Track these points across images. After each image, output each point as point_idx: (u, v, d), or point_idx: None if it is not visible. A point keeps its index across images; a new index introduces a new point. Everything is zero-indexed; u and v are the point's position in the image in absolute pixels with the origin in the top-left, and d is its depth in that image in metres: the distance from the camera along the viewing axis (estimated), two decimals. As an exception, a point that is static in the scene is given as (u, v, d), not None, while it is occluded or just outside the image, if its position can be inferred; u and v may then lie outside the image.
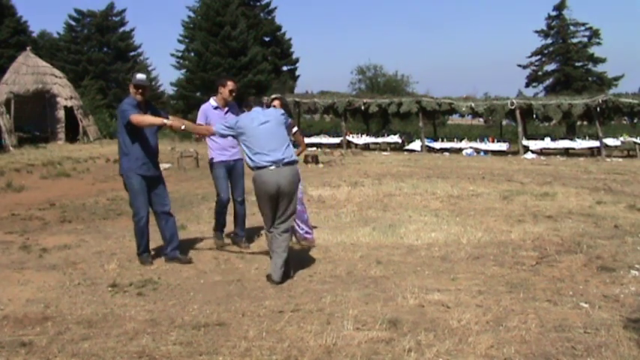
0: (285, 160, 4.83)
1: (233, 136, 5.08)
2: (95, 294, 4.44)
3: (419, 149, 23.62)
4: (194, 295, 4.41)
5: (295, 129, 6.06)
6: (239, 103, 5.92)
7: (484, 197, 9.39)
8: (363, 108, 24.69)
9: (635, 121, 24.33)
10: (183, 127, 5.39)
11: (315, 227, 6.41)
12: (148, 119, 5.31)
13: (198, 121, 5.93)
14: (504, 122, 26.81)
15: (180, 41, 40.08)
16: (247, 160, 4.94)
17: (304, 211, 6.04)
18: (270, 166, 4.78)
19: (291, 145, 5.06)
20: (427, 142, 23.79)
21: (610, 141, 21.76)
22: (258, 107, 5.07)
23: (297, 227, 5.90)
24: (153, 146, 5.43)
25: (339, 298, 4.21)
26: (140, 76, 5.44)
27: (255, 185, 4.89)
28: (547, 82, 37.90)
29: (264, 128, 4.89)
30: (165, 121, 5.27)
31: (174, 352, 3.25)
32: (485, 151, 22.58)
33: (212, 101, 6.01)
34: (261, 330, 3.56)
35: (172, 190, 8.33)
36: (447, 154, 22.45)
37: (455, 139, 24.26)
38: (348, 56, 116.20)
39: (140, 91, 5.29)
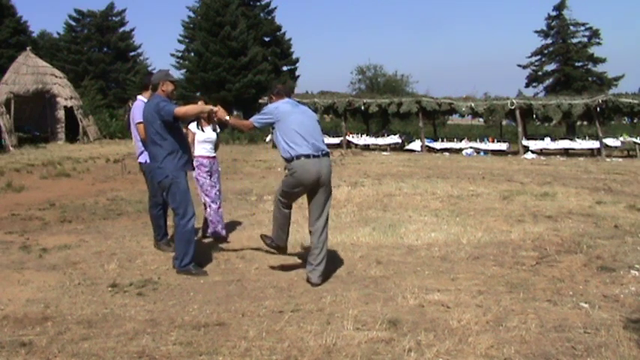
0: (325, 151, 4.72)
1: (270, 123, 4.80)
2: (95, 294, 4.44)
3: (419, 149, 23.63)
4: (194, 296, 4.41)
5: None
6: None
7: (484, 197, 9.39)
8: (363, 108, 24.68)
9: (635, 121, 24.34)
10: (227, 118, 5.04)
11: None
12: (195, 108, 5.17)
13: (140, 119, 5.60)
14: (504, 122, 26.79)
15: (180, 41, 40.19)
16: (284, 149, 4.64)
17: (220, 206, 6.38)
18: (313, 154, 4.59)
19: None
20: (427, 142, 23.78)
21: (610, 141, 21.74)
22: (287, 98, 4.90)
23: (214, 222, 6.24)
24: (187, 141, 5.33)
25: (339, 298, 4.21)
26: (171, 72, 5.40)
27: (294, 175, 4.61)
28: (547, 82, 37.89)
29: (307, 117, 4.75)
30: (213, 107, 4.99)
31: (174, 352, 3.25)
32: (485, 151, 22.57)
33: (144, 98, 5.81)
34: (261, 330, 3.56)
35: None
36: (446, 154, 22.44)
37: (455, 139, 24.26)
38: (348, 56, 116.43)
39: (175, 89, 5.20)
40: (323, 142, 4.79)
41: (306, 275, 4.72)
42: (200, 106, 5.30)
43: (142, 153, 5.92)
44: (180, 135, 5.21)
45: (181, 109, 4.99)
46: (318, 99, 25.70)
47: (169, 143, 5.02)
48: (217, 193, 6.35)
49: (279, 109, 4.75)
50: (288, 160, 4.67)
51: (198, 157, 6.21)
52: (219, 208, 6.33)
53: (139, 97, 6.04)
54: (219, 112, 4.98)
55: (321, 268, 4.68)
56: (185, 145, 5.22)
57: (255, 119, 4.89)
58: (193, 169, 5.31)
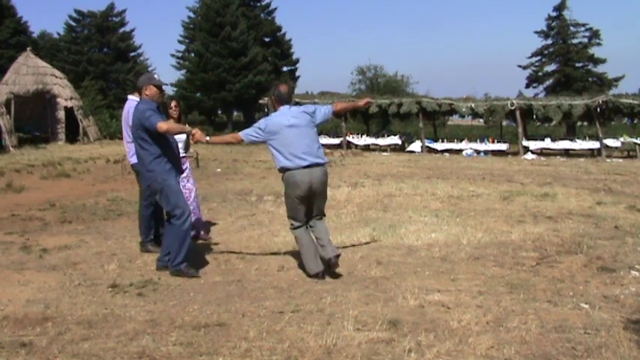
0: (318, 162, 4.82)
1: (259, 142, 5.01)
2: (95, 294, 4.44)
3: (419, 150, 23.64)
4: (194, 296, 4.41)
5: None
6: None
7: (484, 198, 9.39)
8: (363, 108, 24.69)
9: (635, 121, 24.34)
10: (207, 139, 5.13)
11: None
12: (176, 127, 5.19)
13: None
14: (504, 123, 26.80)
15: (180, 42, 40.27)
16: (278, 161, 4.86)
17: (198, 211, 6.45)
18: (303, 167, 4.75)
19: (321, 146, 5.01)
20: (427, 143, 23.79)
21: (610, 142, 21.75)
22: (286, 106, 4.95)
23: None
24: (176, 142, 5.34)
25: (339, 298, 4.20)
26: (156, 75, 5.35)
27: (286, 186, 4.87)
28: (547, 83, 37.92)
29: (297, 131, 4.81)
30: (192, 130, 5.05)
31: (174, 353, 3.25)
32: (486, 152, 22.58)
33: (138, 99, 5.80)
34: (262, 330, 3.56)
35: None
36: (447, 154, 22.45)
37: (455, 140, 24.27)
38: (348, 56, 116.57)
39: (160, 92, 5.19)
40: (318, 152, 4.86)
41: (322, 257, 4.85)
42: (181, 127, 5.29)
43: (132, 154, 5.92)
44: (168, 141, 5.18)
45: (163, 127, 4.94)
46: (319, 99, 25.70)
47: (156, 147, 5.02)
48: (187, 192, 6.27)
49: (269, 127, 4.87)
50: (280, 172, 4.91)
51: None
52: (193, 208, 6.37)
53: (131, 97, 6.01)
54: (197, 135, 5.04)
55: (330, 243, 4.90)
56: (173, 147, 5.21)
57: (245, 135, 5.02)
58: (179, 174, 5.29)
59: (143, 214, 6.00)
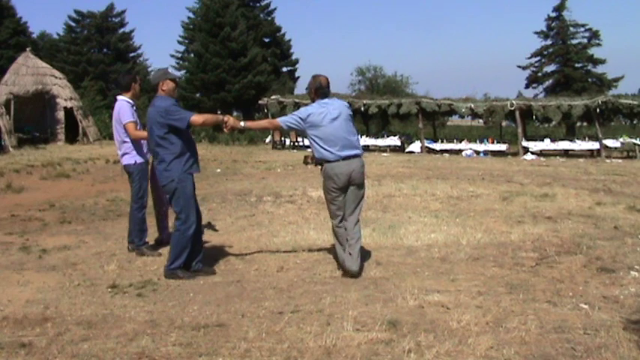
0: (357, 153, 4.94)
1: (297, 130, 5.04)
2: (95, 295, 4.43)
3: (418, 150, 23.64)
4: (194, 296, 4.40)
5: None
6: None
7: (484, 198, 9.39)
8: (362, 109, 24.69)
9: (635, 122, 24.35)
10: (242, 125, 5.05)
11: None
12: (212, 118, 5.15)
13: (129, 119, 5.76)
14: (504, 123, 26.82)
15: (180, 42, 40.32)
16: (318, 152, 4.90)
17: None
18: (343, 158, 4.84)
19: (358, 137, 5.09)
20: (427, 144, 23.79)
21: (610, 142, 21.75)
22: (325, 99, 4.97)
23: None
24: (194, 142, 5.22)
25: (338, 299, 4.20)
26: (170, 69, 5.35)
27: (326, 177, 4.92)
28: (547, 83, 37.99)
29: (337, 124, 4.88)
30: (225, 117, 4.97)
31: (173, 353, 3.25)
32: (485, 152, 22.58)
33: (127, 99, 5.92)
34: (261, 331, 3.56)
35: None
36: (446, 155, 22.44)
37: (454, 141, 24.27)
38: (348, 57, 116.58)
39: (175, 86, 5.11)
40: (356, 142, 5.00)
41: (345, 265, 4.87)
42: (216, 117, 5.23)
43: (124, 154, 5.88)
44: (188, 137, 5.06)
45: (199, 119, 4.92)
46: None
47: (177, 146, 4.91)
48: None
49: (310, 118, 4.89)
50: (321, 163, 4.95)
51: None
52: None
53: (120, 97, 5.99)
54: (230, 122, 5.01)
55: (358, 257, 4.90)
56: (192, 147, 5.09)
57: (284, 121, 5.04)
58: (199, 170, 5.23)
59: (136, 216, 5.91)
